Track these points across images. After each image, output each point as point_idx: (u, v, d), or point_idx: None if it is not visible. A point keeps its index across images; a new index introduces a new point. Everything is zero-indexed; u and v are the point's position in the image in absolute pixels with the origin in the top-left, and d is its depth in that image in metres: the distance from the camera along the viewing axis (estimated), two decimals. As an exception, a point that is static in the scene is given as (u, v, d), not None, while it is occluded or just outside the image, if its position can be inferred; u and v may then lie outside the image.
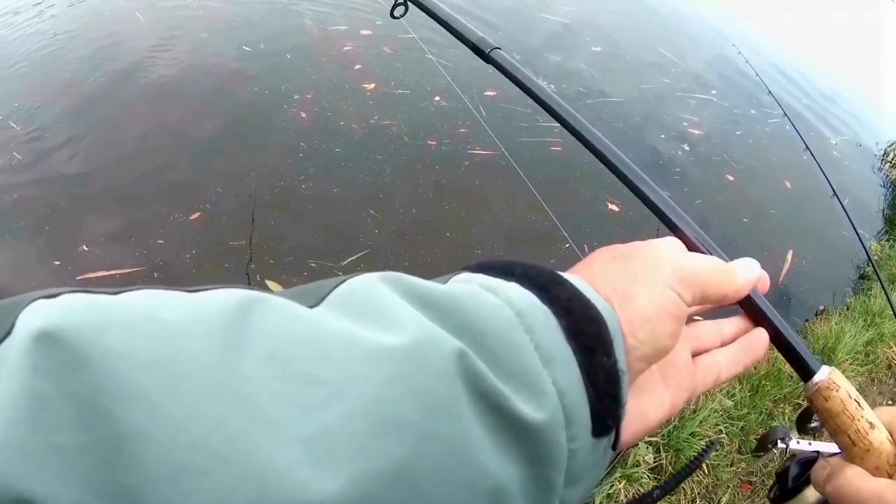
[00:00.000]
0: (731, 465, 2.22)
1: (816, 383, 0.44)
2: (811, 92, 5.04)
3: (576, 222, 3.01)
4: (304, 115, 3.28)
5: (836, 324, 2.96)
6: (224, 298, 0.25)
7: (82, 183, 2.83)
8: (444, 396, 0.26)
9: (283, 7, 4.34)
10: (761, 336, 0.45)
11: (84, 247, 2.54)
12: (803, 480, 0.52)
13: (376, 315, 0.27)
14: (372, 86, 3.59)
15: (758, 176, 3.86)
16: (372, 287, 0.29)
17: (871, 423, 0.44)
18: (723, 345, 0.45)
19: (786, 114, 3.49)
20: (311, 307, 0.27)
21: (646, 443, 2.05)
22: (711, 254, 0.45)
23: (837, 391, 0.44)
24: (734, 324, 0.46)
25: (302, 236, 2.71)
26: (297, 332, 0.24)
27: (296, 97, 3.40)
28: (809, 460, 0.53)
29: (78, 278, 2.41)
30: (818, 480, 0.46)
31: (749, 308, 0.45)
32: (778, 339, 0.45)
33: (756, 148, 4.03)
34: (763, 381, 2.49)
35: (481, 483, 0.26)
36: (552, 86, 3.83)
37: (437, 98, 3.55)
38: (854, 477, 0.43)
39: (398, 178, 3.04)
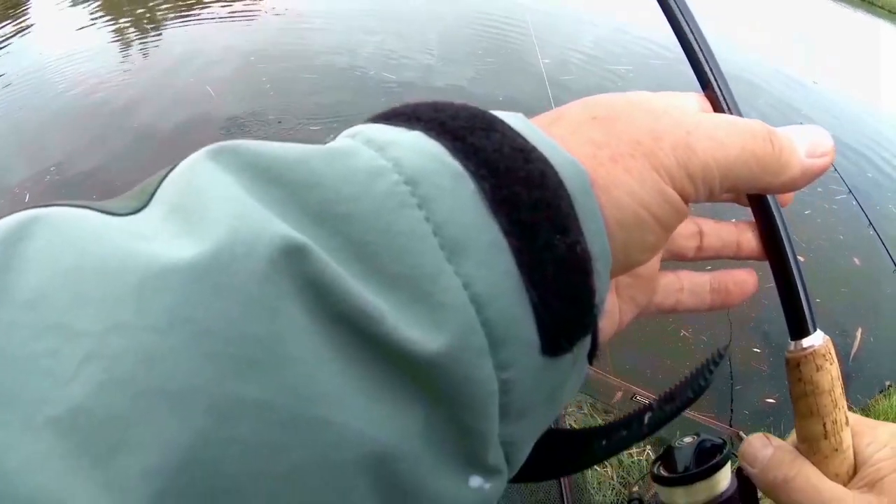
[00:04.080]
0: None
1: (812, 346, 0.34)
2: (882, 155, 5.04)
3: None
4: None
5: (896, 399, 2.97)
6: None
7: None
8: (261, 333, 0.16)
9: (359, 86, 4.60)
10: (745, 282, 0.35)
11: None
12: (718, 462, 0.44)
13: (188, 211, 0.18)
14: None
15: (827, 254, 3.90)
16: (192, 170, 0.19)
17: (847, 418, 0.36)
18: (697, 256, 0.34)
19: (850, 191, 3.56)
20: (137, 210, 0.19)
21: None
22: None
23: (832, 364, 0.34)
24: (722, 229, 0.34)
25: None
26: (67, 260, 0.16)
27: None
28: (721, 444, 0.45)
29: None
30: (755, 462, 0.38)
31: (764, 221, 0.32)
32: (783, 275, 0.33)
33: (824, 226, 4.06)
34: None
35: (346, 454, 0.17)
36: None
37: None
38: (814, 474, 0.35)
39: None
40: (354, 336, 0.17)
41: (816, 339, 0.34)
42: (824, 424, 0.35)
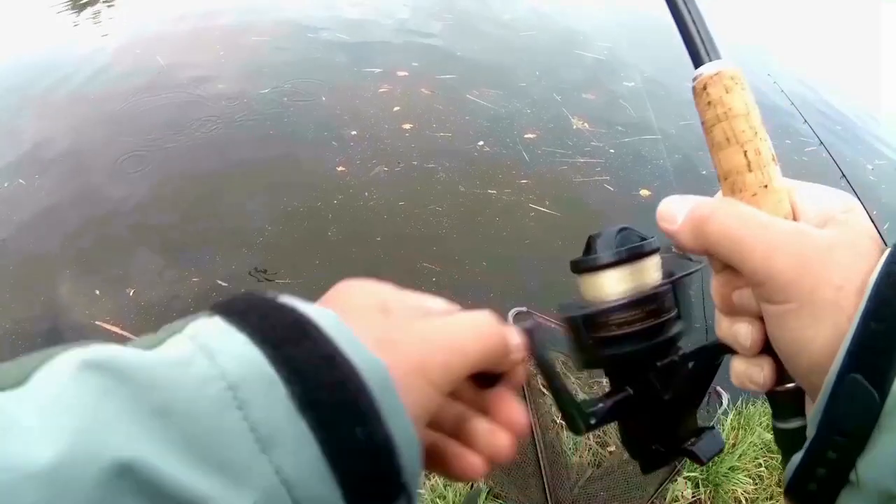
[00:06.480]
0: (771, 499, 2.14)
1: (719, 70, 0.33)
2: (847, 113, 5.01)
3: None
4: (341, 168, 3.32)
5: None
6: None
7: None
8: None
9: (313, 46, 4.43)
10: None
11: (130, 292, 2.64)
12: (646, 244, 0.38)
13: (49, 412, 0.21)
14: (409, 126, 3.63)
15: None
16: (54, 372, 0.23)
17: (774, 156, 0.33)
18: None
19: (822, 142, 3.49)
20: (18, 384, 0.22)
21: (684, 478, 2.02)
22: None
23: (744, 90, 0.33)
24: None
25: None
26: None
27: (335, 143, 3.45)
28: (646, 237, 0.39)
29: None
30: (675, 217, 0.34)
31: None
32: (676, 9, 0.34)
33: (796, 178, 4.03)
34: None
35: None
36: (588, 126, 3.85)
37: (480, 143, 3.56)
38: (745, 205, 0.33)
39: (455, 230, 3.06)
40: None
41: (723, 64, 0.33)
42: (745, 153, 0.32)
